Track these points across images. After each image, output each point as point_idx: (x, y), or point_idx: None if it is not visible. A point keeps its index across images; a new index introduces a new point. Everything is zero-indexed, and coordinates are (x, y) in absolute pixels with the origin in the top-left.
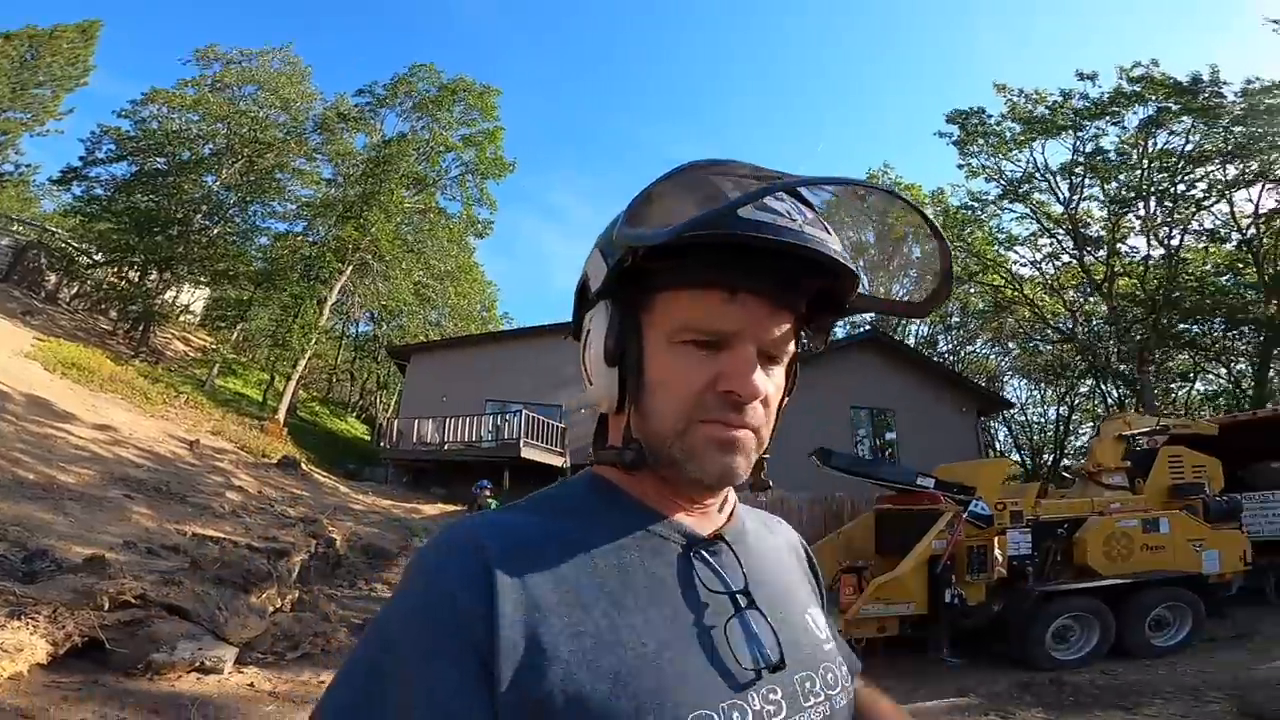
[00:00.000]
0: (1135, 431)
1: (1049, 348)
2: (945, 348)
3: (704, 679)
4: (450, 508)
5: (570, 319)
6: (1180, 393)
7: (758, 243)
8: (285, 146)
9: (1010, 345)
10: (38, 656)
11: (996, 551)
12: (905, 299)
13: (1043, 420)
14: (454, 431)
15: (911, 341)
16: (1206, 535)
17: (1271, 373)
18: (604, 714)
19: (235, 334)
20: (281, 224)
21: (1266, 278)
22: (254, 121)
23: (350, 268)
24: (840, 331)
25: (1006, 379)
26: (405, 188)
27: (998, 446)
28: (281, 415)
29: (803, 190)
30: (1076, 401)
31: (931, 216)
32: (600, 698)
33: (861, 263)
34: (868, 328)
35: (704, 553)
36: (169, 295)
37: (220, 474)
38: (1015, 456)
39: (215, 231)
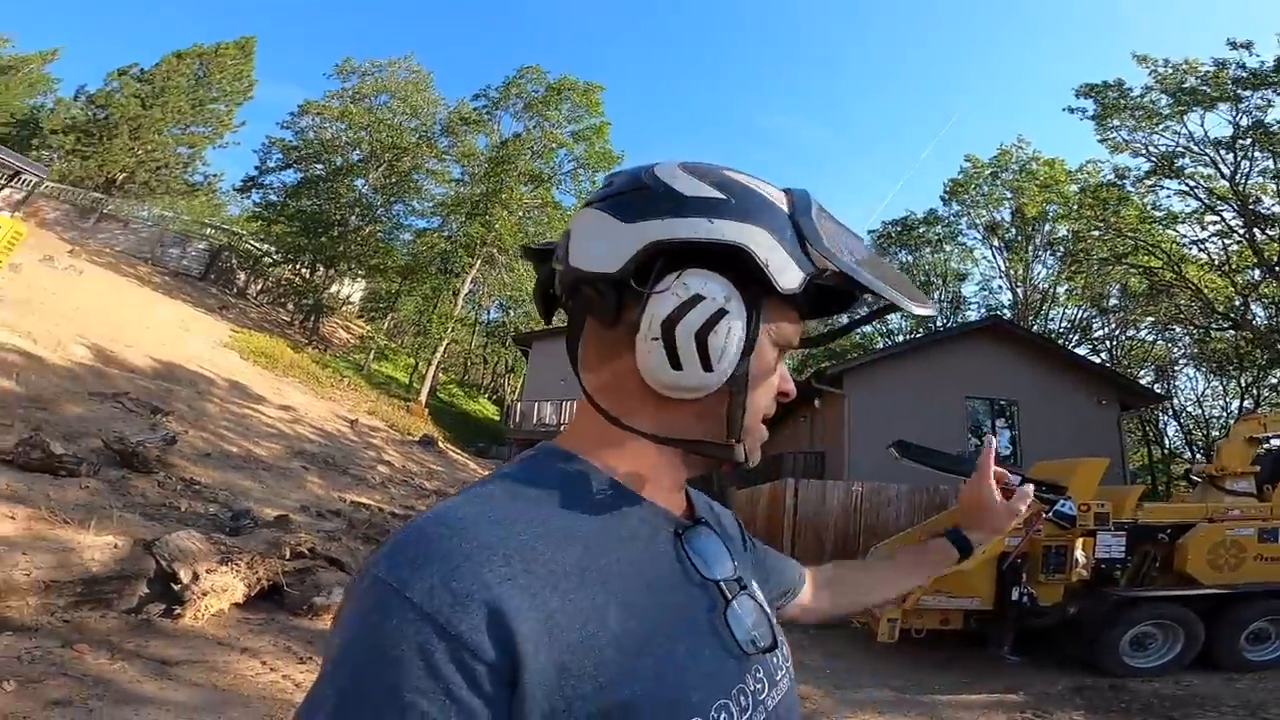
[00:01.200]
0: (1271, 434)
1: (1224, 334)
2: (1101, 333)
3: (717, 670)
4: None
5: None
6: None
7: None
8: (419, 150)
9: (1179, 331)
10: (236, 596)
11: (1079, 553)
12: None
13: (1225, 415)
14: (571, 413)
15: (1058, 326)
16: None
17: None
18: (630, 714)
19: (386, 322)
20: (420, 221)
21: None
22: (390, 129)
23: (479, 261)
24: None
25: (1179, 368)
26: (523, 184)
27: (1166, 444)
28: (424, 397)
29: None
30: (1262, 394)
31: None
32: (631, 702)
33: None
34: (986, 312)
35: (690, 537)
36: (334, 289)
37: (373, 449)
38: (1186, 454)
39: (367, 230)
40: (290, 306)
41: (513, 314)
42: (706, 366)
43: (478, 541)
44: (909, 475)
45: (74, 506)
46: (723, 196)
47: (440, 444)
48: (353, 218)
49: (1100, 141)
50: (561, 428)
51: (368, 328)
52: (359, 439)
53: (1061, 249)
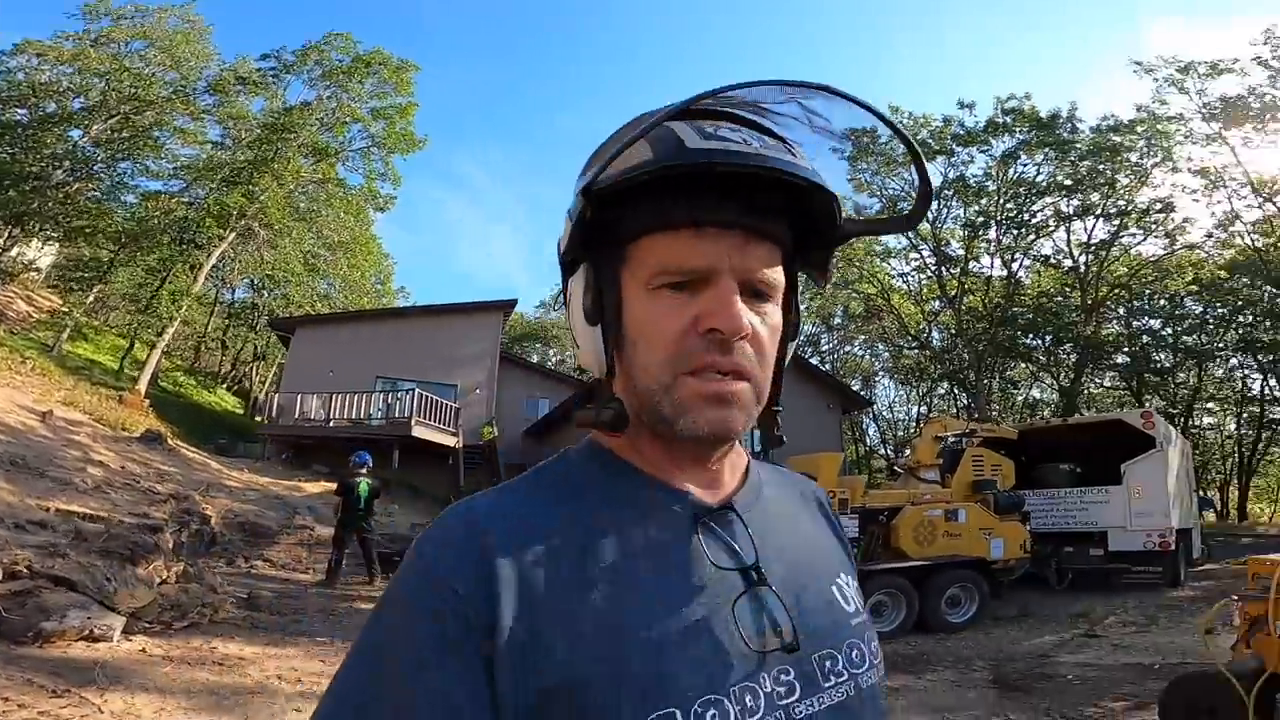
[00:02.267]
0: (949, 433)
1: (911, 352)
2: (827, 347)
3: (713, 662)
4: (334, 486)
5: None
6: (1019, 397)
7: (700, 169)
8: (170, 105)
9: (881, 348)
10: None
11: None
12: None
13: (907, 418)
14: (341, 408)
15: (802, 339)
16: (995, 525)
17: (1085, 384)
18: (608, 702)
19: (90, 296)
20: (155, 183)
21: (1089, 301)
22: (136, 78)
23: (233, 234)
24: None
25: (879, 379)
26: (304, 156)
27: (867, 441)
28: (143, 386)
29: (765, 121)
30: (934, 402)
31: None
32: (604, 685)
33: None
34: None
35: (713, 524)
36: (14, 252)
37: (77, 448)
38: (882, 451)
39: (75, 188)
40: None
41: (267, 295)
42: (577, 343)
43: (490, 521)
44: None
45: None
46: None
47: (170, 441)
48: (58, 172)
49: (849, 180)
50: (331, 424)
51: (62, 301)
52: (55, 435)
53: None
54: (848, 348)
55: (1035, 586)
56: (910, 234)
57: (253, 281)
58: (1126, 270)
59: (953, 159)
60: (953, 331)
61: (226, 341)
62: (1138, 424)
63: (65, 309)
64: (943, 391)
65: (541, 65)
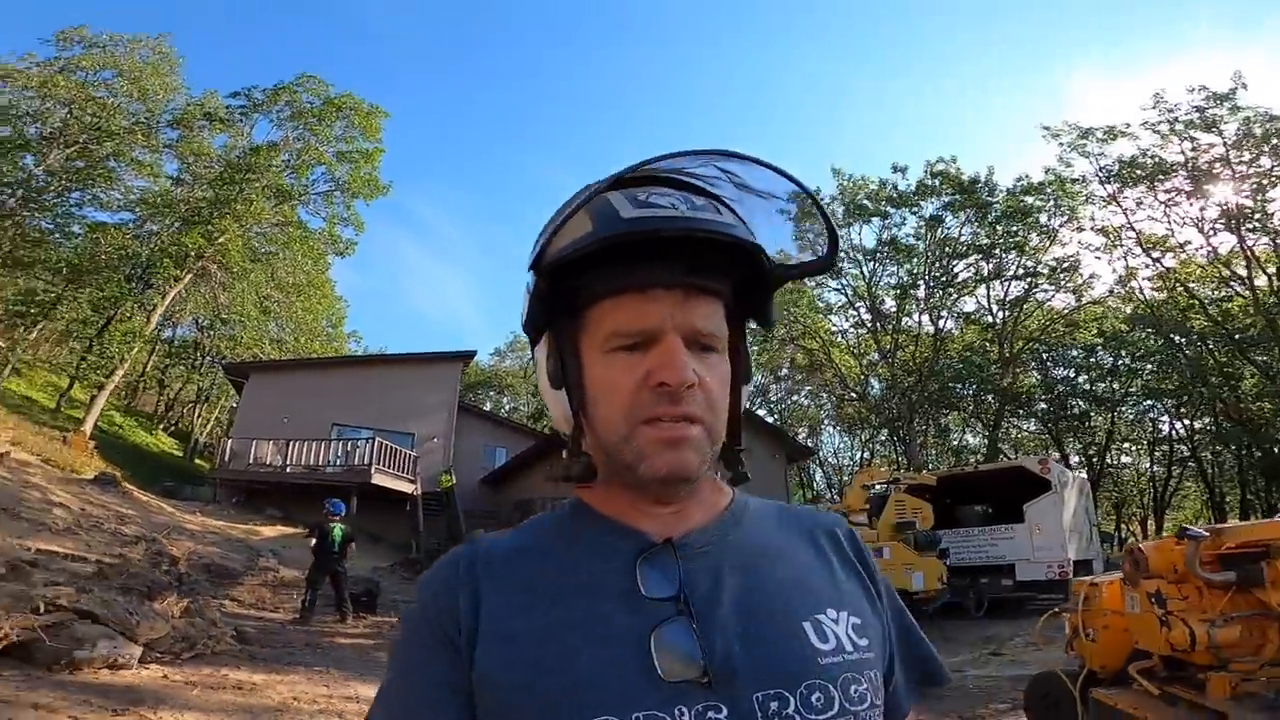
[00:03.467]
0: (875, 481)
1: (852, 403)
2: (775, 398)
3: (620, 685)
4: (291, 530)
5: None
6: (953, 441)
7: (633, 237)
8: (130, 136)
9: (825, 398)
10: None
11: None
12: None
13: (851, 463)
14: (297, 454)
15: (752, 389)
16: (915, 560)
17: (1009, 430)
18: (524, 699)
19: (34, 333)
20: (103, 214)
21: (1006, 353)
22: (100, 107)
23: (189, 275)
24: None
25: (824, 426)
26: (266, 198)
27: (815, 486)
28: (88, 427)
29: (699, 184)
30: (875, 448)
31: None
32: (523, 684)
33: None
34: None
35: (653, 558)
36: None
37: (37, 489)
38: (828, 495)
39: (22, 216)
40: None
41: (213, 334)
42: (546, 405)
43: (480, 550)
44: None
45: None
46: None
47: (121, 484)
48: (10, 200)
49: (794, 240)
50: (287, 469)
51: (4, 337)
52: (13, 477)
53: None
54: (795, 397)
55: (956, 614)
56: (848, 293)
57: (197, 320)
58: (1039, 324)
59: (886, 221)
60: (888, 384)
61: (165, 380)
62: (1035, 469)
63: (8, 345)
64: (883, 438)
65: (499, 106)
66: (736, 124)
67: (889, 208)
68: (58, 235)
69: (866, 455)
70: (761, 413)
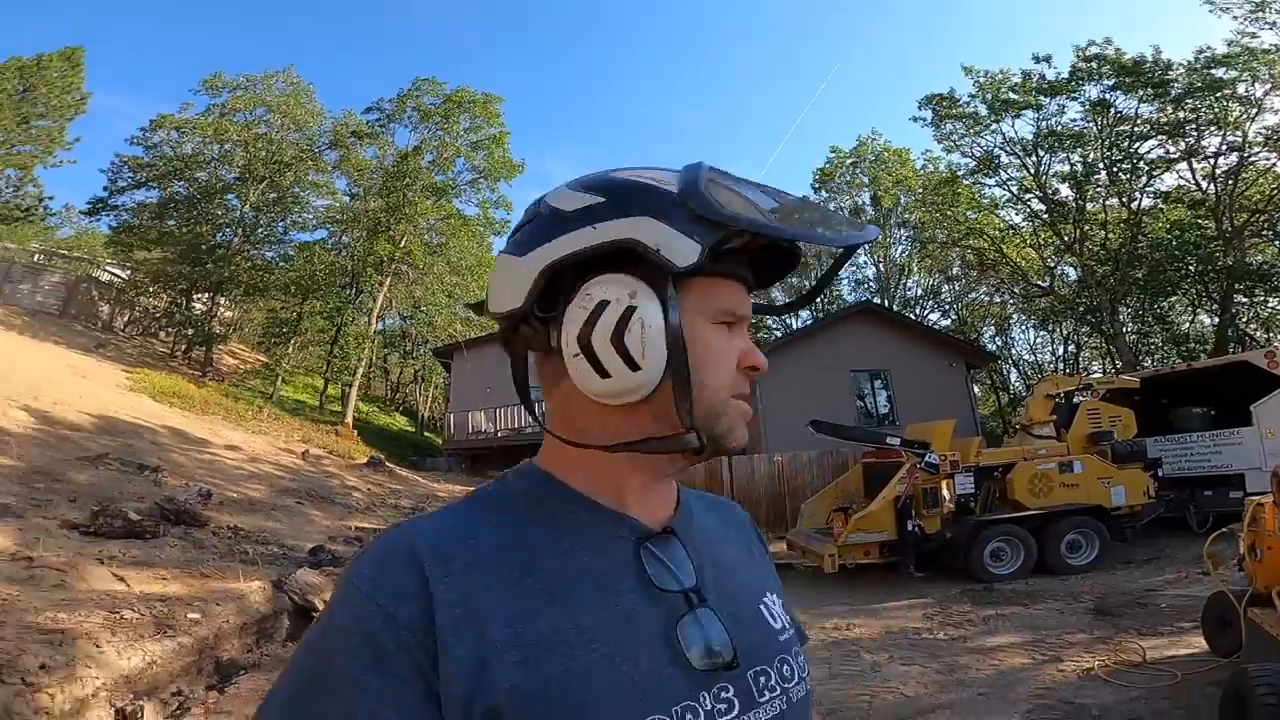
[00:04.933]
0: (1061, 390)
1: (1041, 296)
2: (949, 297)
3: (656, 682)
4: None
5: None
6: (1181, 328)
7: (782, 243)
8: (301, 164)
9: (1008, 294)
10: None
11: (945, 491)
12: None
13: (1054, 360)
14: (504, 420)
15: (917, 292)
16: (1114, 474)
17: (1247, 312)
18: (560, 712)
19: (290, 346)
20: (303, 234)
21: (1226, 232)
22: (270, 143)
23: (389, 278)
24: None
25: (1014, 323)
26: (425, 197)
27: (1010, 390)
28: (349, 418)
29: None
30: (1082, 341)
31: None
32: (550, 707)
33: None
34: (863, 299)
35: (654, 547)
36: (222, 315)
37: (335, 478)
38: (1025, 398)
39: (252, 252)
40: (164, 336)
41: (415, 322)
42: (633, 366)
43: (426, 547)
44: (816, 443)
45: (181, 562)
46: (601, 199)
47: (385, 463)
48: (235, 239)
49: (938, 141)
50: (499, 434)
51: (263, 354)
52: (317, 469)
53: (912, 229)
54: (972, 295)
55: (1176, 530)
56: (1011, 187)
57: (399, 313)
58: (1263, 194)
59: (1040, 112)
60: (1081, 275)
61: (387, 368)
62: (1262, 363)
63: (272, 362)
64: (1086, 332)
65: (607, 58)
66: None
67: (1042, 98)
68: (280, 262)
69: (1071, 349)
70: (934, 317)
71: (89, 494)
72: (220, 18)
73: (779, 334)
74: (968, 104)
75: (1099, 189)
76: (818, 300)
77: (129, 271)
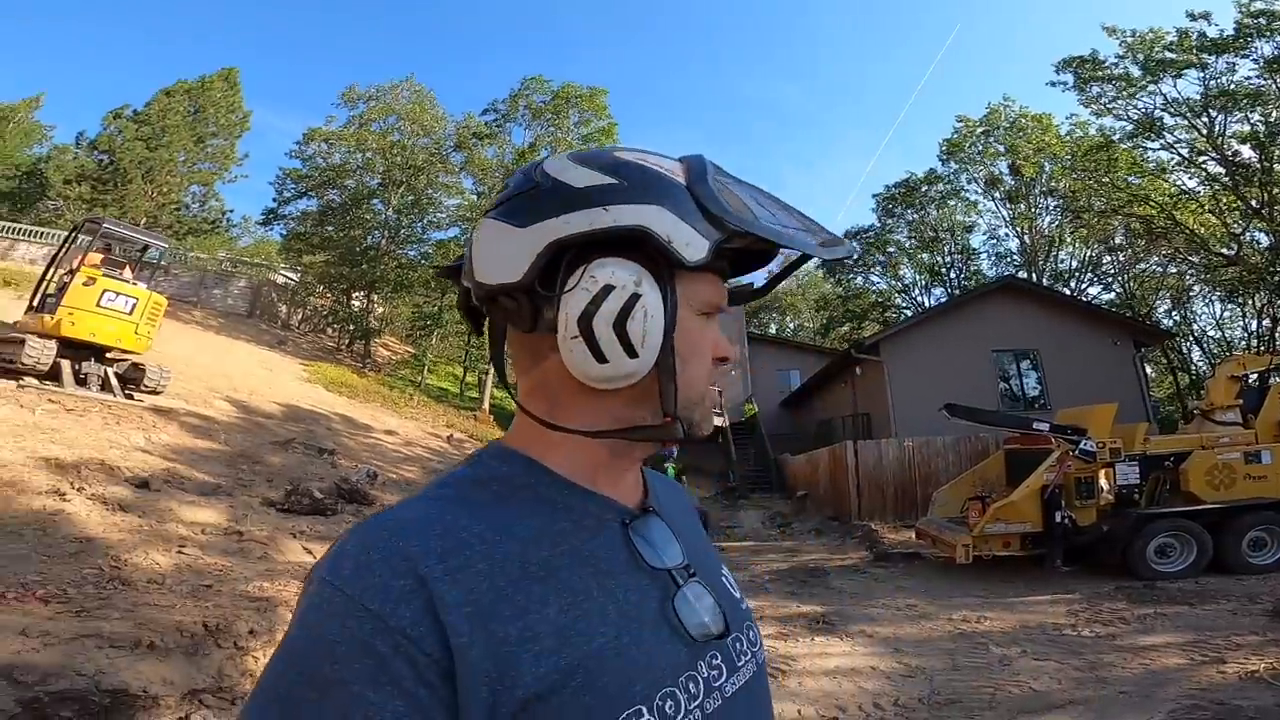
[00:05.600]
0: (1248, 371)
1: (1226, 266)
2: (1111, 269)
3: (663, 657)
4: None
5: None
6: None
7: (767, 244)
8: (432, 167)
9: (1193, 259)
10: None
11: (1103, 481)
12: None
13: (1246, 336)
14: None
15: (1071, 265)
16: None
17: None
18: (577, 710)
19: (434, 338)
20: (438, 233)
21: None
22: (404, 149)
23: None
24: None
25: (1195, 295)
26: None
27: (1191, 370)
28: (486, 405)
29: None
30: (1278, 315)
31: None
32: (571, 695)
33: None
34: (1005, 274)
35: (639, 527)
36: (378, 311)
37: None
38: (1210, 379)
39: (399, 252)
40: (330, 331)
41: None
42: (631, 353)
43: (417, 540)
44: (951, 428)
45: None
46: (615, 181)
47: None
48: (383, 240)
49: (1084, 105)
50: None
51: (413, 346)
52: (460, 452)
53: (1062, 197)
54: (1141, 265)
55: None
56: (1182, 150)
57: None
58: None
59: (1206, 71)
60: (1270, 243)
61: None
62: None
63: (420, 352)
64: None
65: (708, 40)
66: None
67: (1205, 56)
68: (421, 260)
69: (1266, 324)
70: (1095, 290)
71: (281, 475)
72: (336, 29)
73: (909, 314)
74: (1116, 65)
75: None
76: (945, 279)
77: (299, 274)
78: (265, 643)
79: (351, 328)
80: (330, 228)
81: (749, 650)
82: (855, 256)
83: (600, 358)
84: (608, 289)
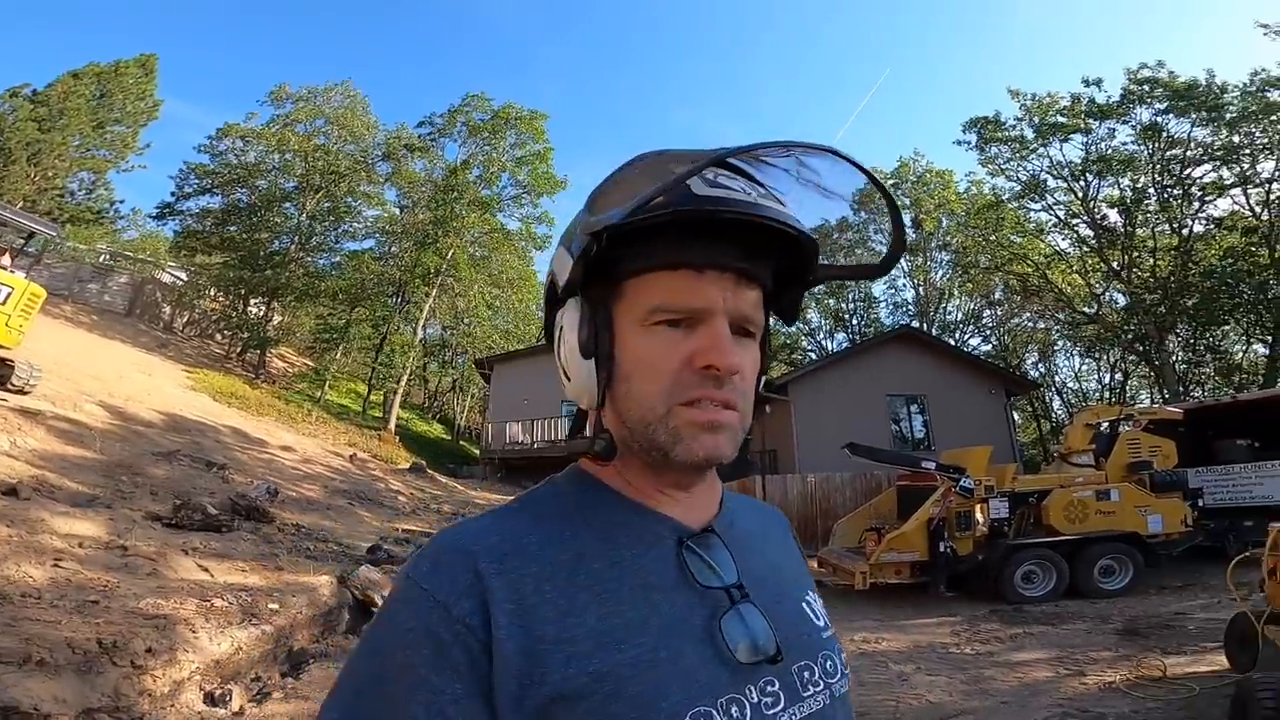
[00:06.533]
0: (1102, 419)
1: (1086, 324)
2: (990, 322)
3: (701, 675)
4: None
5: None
6: (1233, 359)
7: (715, 216)
8: (354, 175)
9: (1059, 316)
10: None
11: (979, 515)
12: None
13: (1100, 388)
14: (540, 431)
15: (957, 317)
16: (1151, 502)
17: None
18: (610, 707)
19: (338, 352)
20: (352, 243)
21: (1277, 257)
22: (328, 154)
23: (435, 289)
24: (865, 331)
25: (1058, 349)
26: (471, 211)
27: (1052, 418)
28: (392, 425)
29: (753, 170)
30: (1129, 369)
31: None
32: (599, 700)
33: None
34: (901, 324)
35: (695, 546)
36: (275, 320)
37: (380, 481)
38: (1069, 426)
39: (308, 260)
40: (219, 338)
41: (456, 332)
42: (567, 376)
43: (481, 544)
44: (850, 465)
45: (256, 555)
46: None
47: (426, 469)
48: (291, 246)
49: (982, 165)
50: (535, 445)
51: (314, 360)
52: (363, 472)
53: (954, 252)
54: (1015, 320)
55: (1216, 559)
56: (1059, 212)
57: (441, 323)
58: None
59: (1090, 136)
60: (1128, 303)
61: (425, 376)
62: None
63: (321, 366)
64: (1133, 359)
65: (645, 68)
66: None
67: (1091, 121)
68: (332, 270)
69: (1119, 377)
70: (975, 342)
71: (166, 488)
72: (281, 27)
73: (814, 356)
74: (1014, 127)
75: (1149, 215)
76: (848, 325)
77: (189, 274)
78: (165, 662)
79: (246, 335)
80: (233, 228)
81: (822, 680)
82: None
83: (565, 383)
84: (561, 328)
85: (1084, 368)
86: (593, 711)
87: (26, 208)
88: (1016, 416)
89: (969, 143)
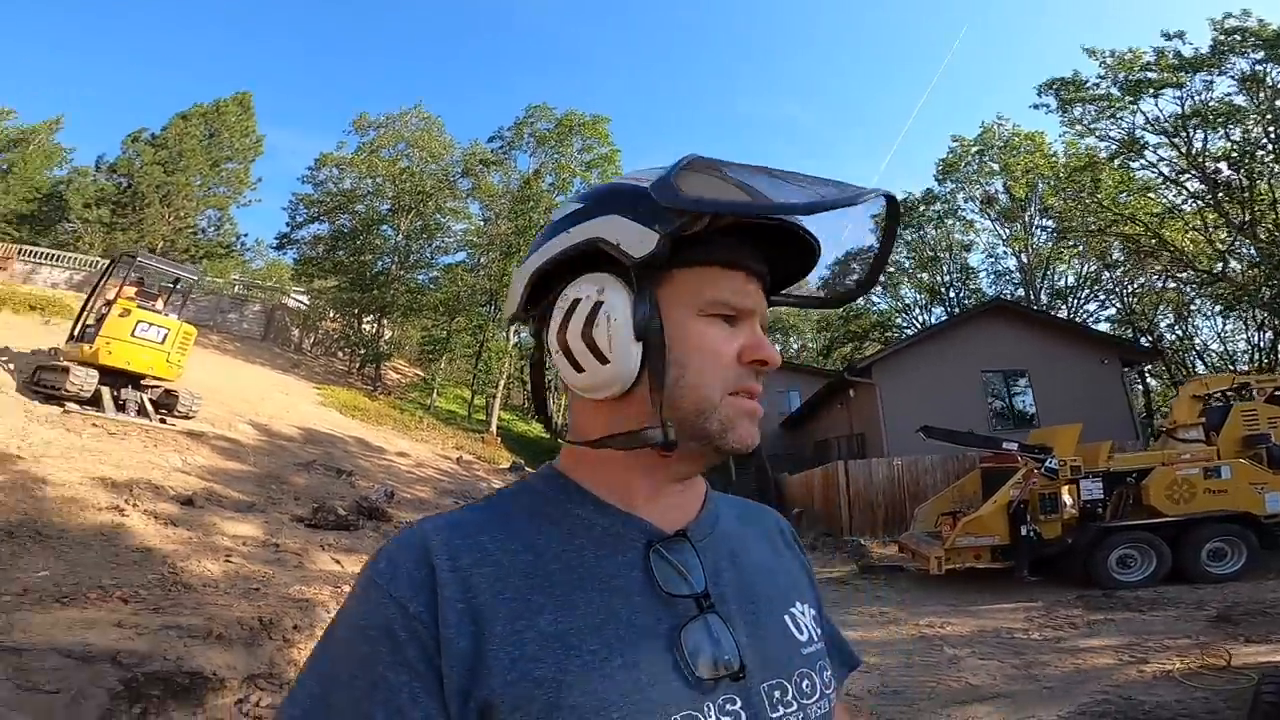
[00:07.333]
0: (1211, 390)
1: (1213, 284)
2: (1110, 285)
3: (655, 689)
4: None
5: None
6: None
7: (791, 229)
8: (442, 194)
9: (1181, 276)
10: None
11: (1066, 497)
12: (820, 292)
13: (1250, 349)
14: None
15: (1068, 281)
16: (1269, 479)
17: None
18: (553, 716)
19: (443, 362)
20: (446, 257)
21: None
22: (413, 176)
23: None
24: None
25: (1196, 309)
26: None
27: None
28: (493, 427)
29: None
30: (1279, 328)
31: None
32: (542, 705)
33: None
34: (1003, 293)
35: (665, 551)
36: (387, 335)
37: (484, 481)
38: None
39: (408, 277)
40: (341, 355)
41: None
42: (601, 359)
43: (438, 543)
44: (939, 448)
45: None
46: (582, 205)
47: (526, 468)
48: (392, 266)
49: (1066, 126)
50: None
51: (422, 369)
52: (469, 474)
53: (1054, 216)
54: (1140, 280)
55: None
56: (1163, 169)
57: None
58: None
59: (1183, 90)
60: (1254, 260)
61: (524, 379)
62: None
63: (429, 375)
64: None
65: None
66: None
67: (1182, 74)
68: (430, 285)
69: (1268, 338)
70: (1091, 307)
71: (306, 494)
72: (347, 50)
73: (910, 334)
74: (1096, 86)
75: (1265, 166)
76: (945, 298)
77: (311, 298)
78: (307, 636)
79: (362, 351)
80: (342, 252)
81: (795, 701)
82: (883, 196)
83: (577, 368)
84: (575, 303)
85: (1229, 328)
86: (536, 717)
87: (167, 246)
88: (1153, 383)
89: (1047, 105)
